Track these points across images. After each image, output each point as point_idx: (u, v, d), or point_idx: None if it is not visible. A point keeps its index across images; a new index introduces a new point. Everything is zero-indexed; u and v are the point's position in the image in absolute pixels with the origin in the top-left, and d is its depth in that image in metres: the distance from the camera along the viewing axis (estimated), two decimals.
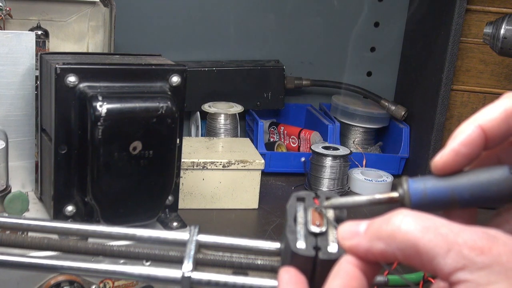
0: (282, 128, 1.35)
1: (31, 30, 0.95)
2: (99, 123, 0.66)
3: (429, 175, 0.39)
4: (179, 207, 0.80)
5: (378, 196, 0.40)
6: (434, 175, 0.39)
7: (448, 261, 0.33)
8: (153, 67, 0.73)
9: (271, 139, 1.37)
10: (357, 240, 0.37)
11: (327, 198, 0.40)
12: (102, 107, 0.66)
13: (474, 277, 0.32)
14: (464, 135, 0.38)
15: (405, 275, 0.85)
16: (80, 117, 0.69)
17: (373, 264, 0.37)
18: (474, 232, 0.33)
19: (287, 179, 1.22)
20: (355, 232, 0.37)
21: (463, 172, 0.39)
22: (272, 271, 0.39)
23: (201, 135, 1.26)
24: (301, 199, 0.41)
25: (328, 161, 1.13)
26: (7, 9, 0.93)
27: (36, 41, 0.80)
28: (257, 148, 1.14)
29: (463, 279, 0.32)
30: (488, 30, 0.98)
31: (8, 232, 0.45)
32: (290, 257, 0.37)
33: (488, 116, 0.38)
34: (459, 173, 0.39)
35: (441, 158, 0.38)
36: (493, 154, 0.41)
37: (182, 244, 0.40)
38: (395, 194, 0.40)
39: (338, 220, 0.40)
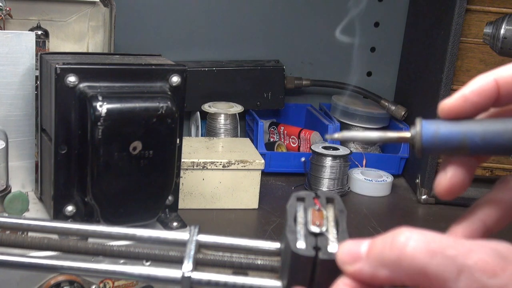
0: (282, 128, 1.35)
1: (31, 30, 0.95)
2: (99, 123, 0.66)
3: (442, 119, 0.39)
4: (179, 207, 0.80)
5: (390, 134, 0.40)
6: (448, 120, 0.39)
7: (460, 285, 0.31)
8: (153, 67, 0.73)
9: (271, 139, 1.37)
10: (359, 266, 0.35)
11: (327, 198, 0.40)
12: (102, 107, 0.66)
13: None
14: (477, 84, 0.38)
15: None
16: (80, 117, 0.69)
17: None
18: (484, 252, 0.32)
19: (287, 179, 1.22)
20: (356, 255, 0.35)
21: (477, 119, 0.38)
22: (272, 271, 0.39)
23: (201, 135, 1.26)
24: (301, 199, 0.41)
25: (328, 161, 1.13)
26: (7, 9, 0.93)
27: (36, 41, 0.80)
28: (257, 148, 1.14)
29: None
30: (488, 30, 0.97)
31: (8, 232, 0.45)
32: (290, 257, 0.37)
33: (506, 73, 0.38)
34: (473, 119, 0.38)
35: (449, 101, 0.38)
36: (500, 115, 0.40)
37: (182, 244, 0.40)
38: (407, 134, 0.39)
39: (338, 221, 0.40)
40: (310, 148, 1.17)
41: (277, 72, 1.34)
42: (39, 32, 0.96)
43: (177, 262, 0.39)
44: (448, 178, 0.39)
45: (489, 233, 0.39)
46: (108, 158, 0.68)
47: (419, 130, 0.39)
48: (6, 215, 0.73)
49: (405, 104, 1.32)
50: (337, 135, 0.40)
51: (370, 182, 1.18)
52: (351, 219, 1.07)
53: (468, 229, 0.39)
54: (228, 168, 1.03)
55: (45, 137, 0.75)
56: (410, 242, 0.33)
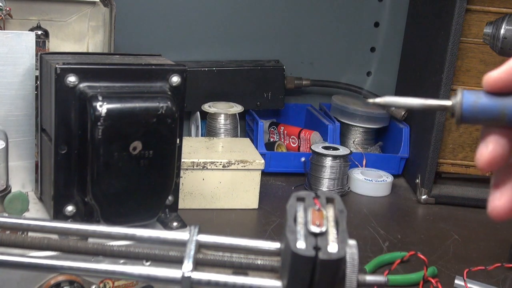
0: (282, 128, 1.35)
1: (31, 30, 0.95)
2: (99, 123, 0.66)
3: (482, 92, 0.40)
4: (179, 207, 0.80)
5: (431, 101, 0.41)
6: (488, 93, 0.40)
7: None
8: (153, 67, 0.73)
9: (271, 139, 1.37)
10: None
11: (327, 198, 0.40)
12: (102, 107, 0.66)
13: None
14: None
15: (405, 275, 0.85)
16: (80, 117, 0.69)
17: None
18: None
19: (287, 179, 1.22)
20: None
21: None
22: (272, 271, 0.39)
23: (201, 135, 1.26)
24: (301, 199, 0.41)
25: (328, 161, 1.13)
26: (7, 9, 0.93)
27: (36, 41, 0.80)
28: (257, 148, 1.14)
29: None
30: (488, 30, 0.97)
31: (8, 232, 0.45)
32: (290, 257, 0.37)
33: None
34: None
35: (495, 73, 0.39)
36: None
37: (182, 244, 0.40)
38: (448, 103, 0.40)
39: (338, 221, 0.40)
40: (310, 148, 1.17)
41: (277, 72, 1.34)
42: (39, 32, 0.96)
43: (177, 262, 0.39)
44: (489, 150, 0.40)
45: None
46: (108, 158, 0.68)
47: (460, 99, 0.40)
48: (6, 215, 0.73)
49: None
50: (379, 100, 0.41)
51: (370, 182, 1.18)
52: (351, 219, 1.07)
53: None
54: (228, 168, 1.03)
55: (45, 137, 0.75)
56: None
